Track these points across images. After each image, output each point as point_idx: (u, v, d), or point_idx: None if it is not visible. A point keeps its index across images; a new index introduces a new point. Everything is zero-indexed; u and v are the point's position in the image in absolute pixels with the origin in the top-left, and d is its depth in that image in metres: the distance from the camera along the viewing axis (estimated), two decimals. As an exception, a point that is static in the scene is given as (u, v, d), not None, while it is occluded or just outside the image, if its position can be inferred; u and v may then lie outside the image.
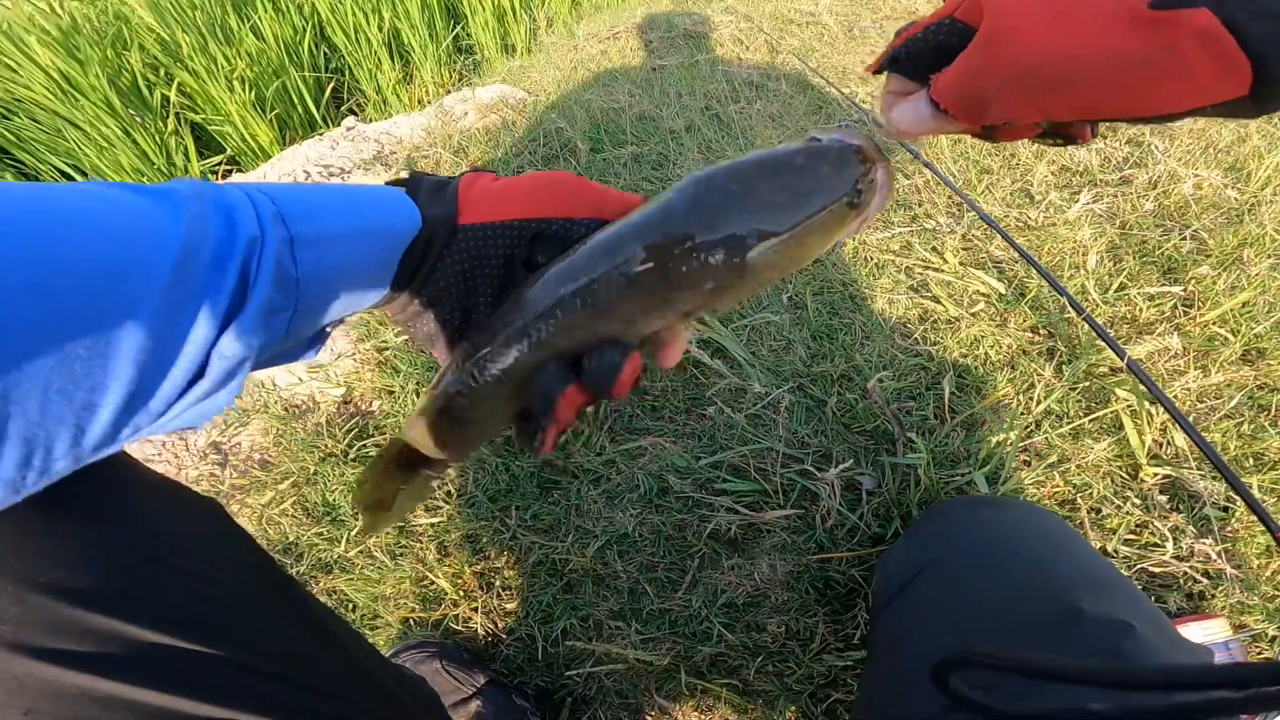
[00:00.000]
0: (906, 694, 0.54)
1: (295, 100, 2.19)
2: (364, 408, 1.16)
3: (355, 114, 2.32)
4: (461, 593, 0.95)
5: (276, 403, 1.16)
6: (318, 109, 2.25)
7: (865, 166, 0.38)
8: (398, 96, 2.34)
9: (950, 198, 1.34)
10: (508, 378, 0.40)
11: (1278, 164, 1.32)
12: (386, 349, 1.20)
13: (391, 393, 1.16)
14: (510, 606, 0.95)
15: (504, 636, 0.93)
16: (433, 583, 0.96)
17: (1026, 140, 1.45)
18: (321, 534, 1.02)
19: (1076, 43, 0.32)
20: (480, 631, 0.93)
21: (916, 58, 0.40)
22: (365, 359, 1.20)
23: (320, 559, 1.00)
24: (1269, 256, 1.18)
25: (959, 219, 1.30)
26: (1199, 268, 1.17)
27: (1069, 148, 1.35)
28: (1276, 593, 0.88)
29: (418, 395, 1.14)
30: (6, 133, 1.93)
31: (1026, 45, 0.33)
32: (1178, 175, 1.32)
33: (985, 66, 0.35)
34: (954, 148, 1.48)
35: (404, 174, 0.48)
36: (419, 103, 2.35)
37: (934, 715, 0.47)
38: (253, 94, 2.05)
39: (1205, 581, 0.89)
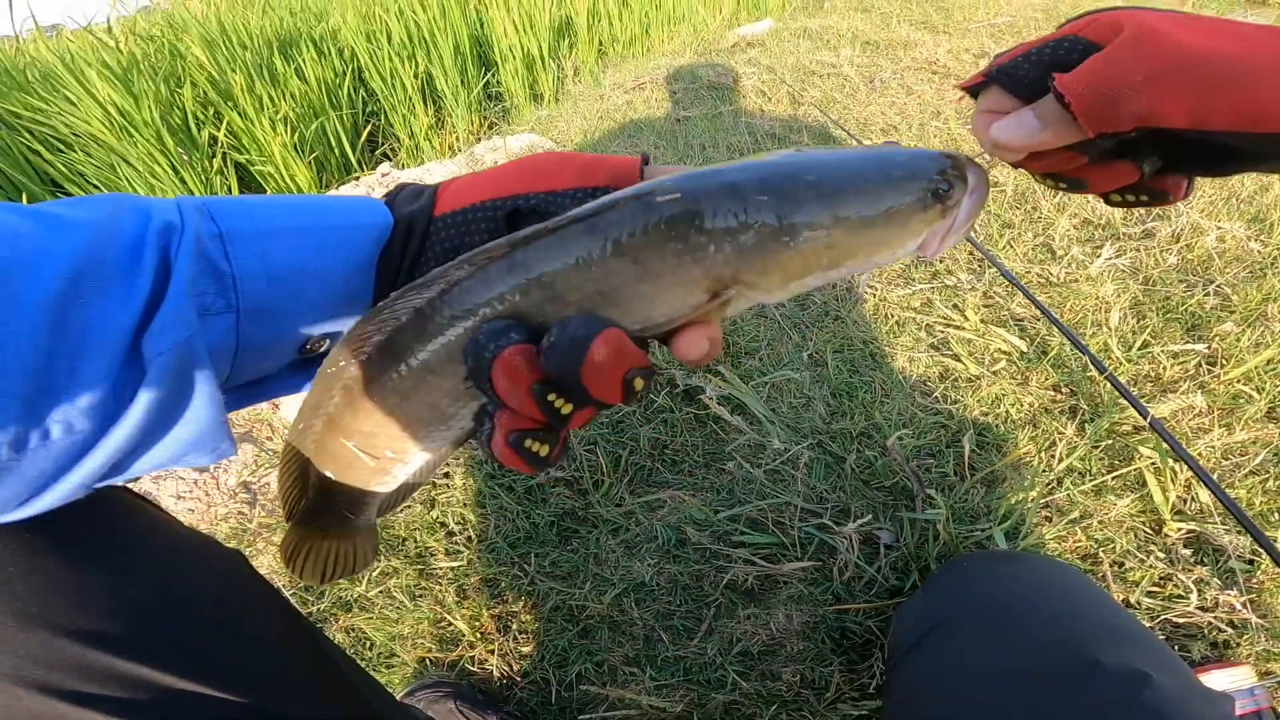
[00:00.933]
0: None
1: (333, 143, 2.27)
2: None
3: (389, 159, 2.40)
4: (478, 635, 0.96)
5: None
6: (354, 152, 2.33)
7: (954, 163, 0.34)
8: (430, 143, 2.42)
9: (971, 253, 1.35)
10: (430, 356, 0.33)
11: (1302, 220, 1.32)
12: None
13: None
14: (526, 650, 0.95)
15: (518, 679, 0.93)
16: (451, 624, 0.97)
17: (1050, 194, 1.44)
18: (344, 574, 1.03)
19: (1246, 47, 0.30)
20: (495, 673, 0.94)
21: (1020, 75, 0.37)
22: None
23: (341, 597, 1.02)
24: (1294, 314, 1.17)
25: (980, 275, 1.31)
26: (1223, 324, 1.17)
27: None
28: (1306, 654, 0.86)
29: None
30: (63, 167, 2.02)
31: (1186, 43, 0.31)
32: (1200, 228, 1.33)
33: (1134, 57, 0.32)
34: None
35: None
36: (450, 149, 2.43)
37: None
38: (294, 136, 2.13)
39: (1230, 631, 0.87)
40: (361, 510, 0.42)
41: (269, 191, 2.20)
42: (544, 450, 0.32)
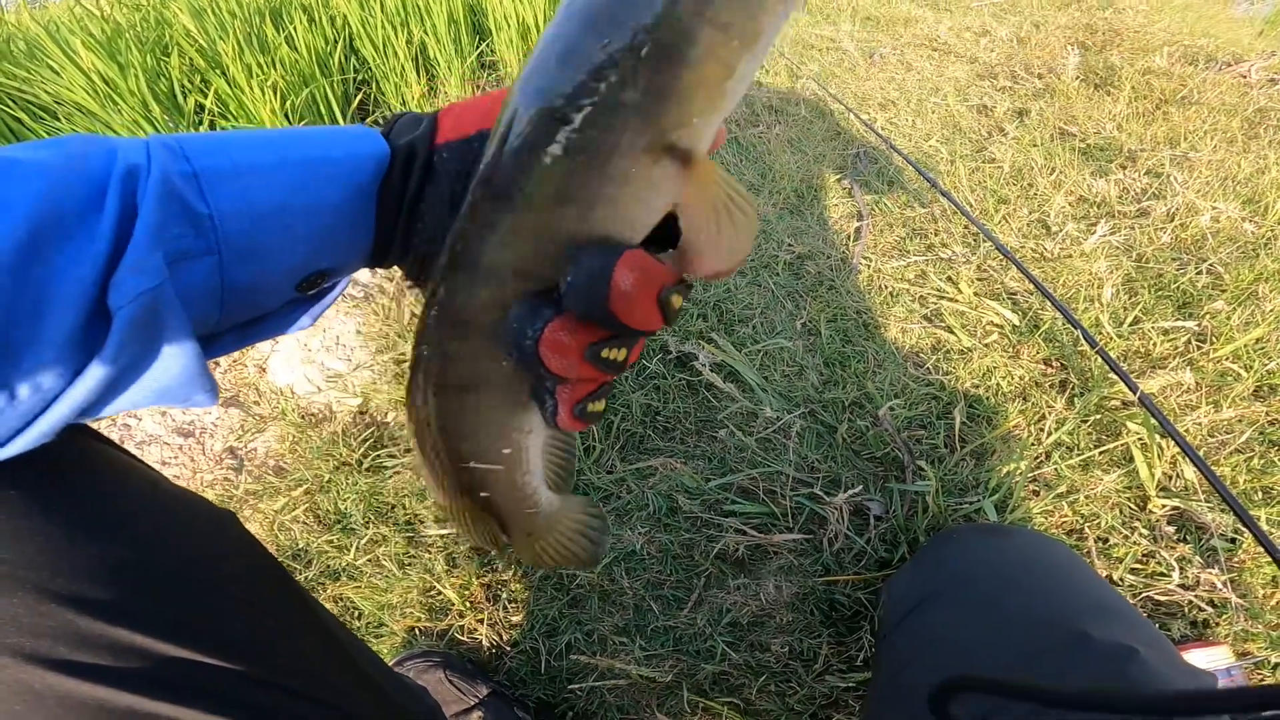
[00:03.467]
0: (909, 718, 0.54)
1: (323, 110, 2.23)
2: (380, 418, 1.18)
3: (380, 126, 2.36)
4: (468, 604, 0.96)
5: (294, 410, 1.18)
6: (345, 120, 2.29)
7: None
8: (423, 111, 2.37)
9: (967, 227, 1.35)
10: (467, 345, 0.32)
11: (1297, 200, 1.32)
12: (405, 361, 1.22)
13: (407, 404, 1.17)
14: (516, 619, 0.96)
15: (508, 649, 0.94)
16: (440, 593, 0.97)
17: (1046, 171, 1.42)
18: (332, 541, 1.03)
19: None
20: (485, 643, 0.94)
21: None
22: (383, 370, 1.22)
23: (329, 566, 1.02)
24: (1286, 293, 1.17)
25: (975, 249, 1.31)
26: (1214, 303, 1.17)
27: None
28: (1285, 631, 0.87)
29: None
30: (45, 134, 1.98)
31: None
32: (1196, 208, 1.32)
33: None
34: (971, 176, 1.49)
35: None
36: (443, 117, 2.38)
37: None
38: (284, 104, 2.09)
39: (1210, 610, 0.88)
40: (539, 501, 0.41)
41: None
42: (602, 405, 0.33)
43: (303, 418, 1.17)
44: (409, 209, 0.39)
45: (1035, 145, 1.58)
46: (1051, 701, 0.30)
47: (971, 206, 1.40)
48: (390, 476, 1.09)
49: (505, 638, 0.95)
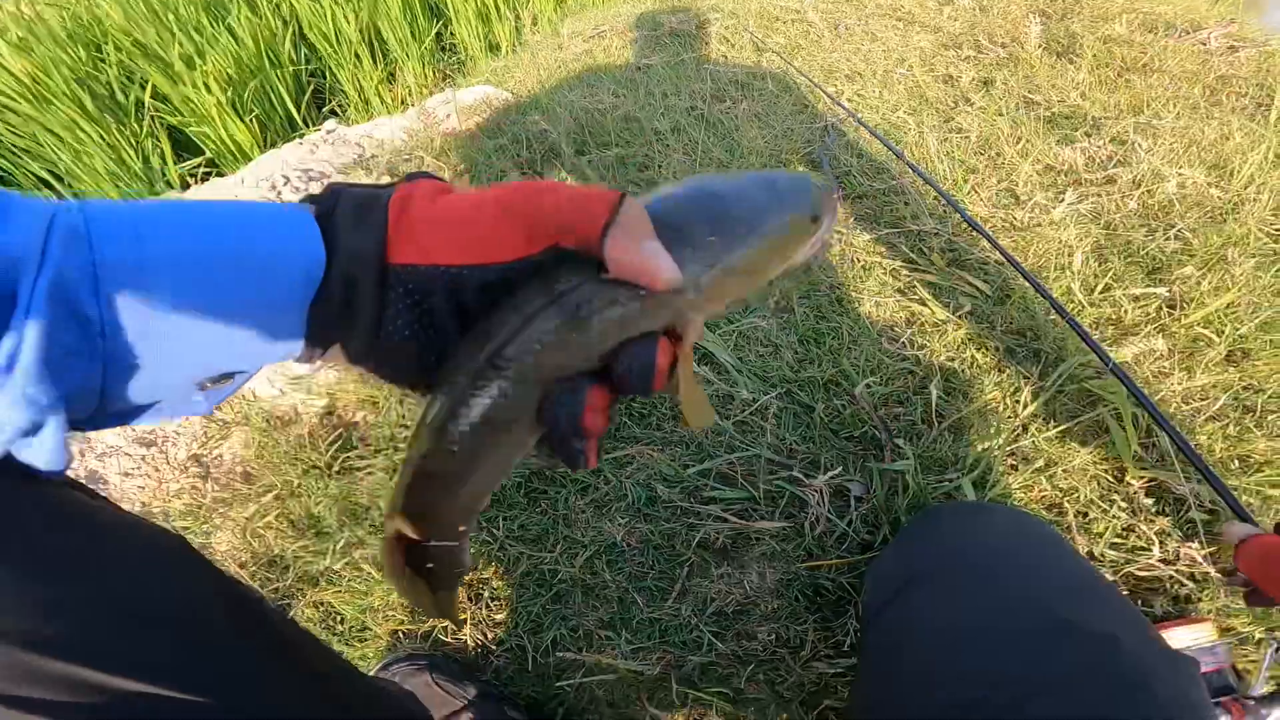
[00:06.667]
0: (901, 706, 0.54)
1: (275, 101, 2.16)
2: (347, 419, 1.14)
3: (337, 115, 2.30)
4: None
5: (258, 414, 1.14)
6: (299, 110, 2.22)
7: (823, 192, 0.40)
8: (380, 98, 2.32)
9: (936, 199, 1.34)
10: (503, 420, 0.34)
11: (1260, 161, 1.33)
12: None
13: (375, 404, 1.14)
14: (499, 617, 0.94)
15: (494, 648, 0.92)
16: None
17: (1013, 141, 1.41)
18: (307, 546, 1.00)
19: None
20: (470, 643, 0.92)
21: None
22: (348, 370, 1.19)
23: (306, 571, 0.99)
24: (1253, 256, 1.18)
25: (944, 221, 1.30)
26: (1183, 268, 1.18)
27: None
28: (1261, 594, 0.89)
29: (401, 405, 1.13)
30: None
31: None
32: (1162, 174, 1.33)
33: None
34: (940, 147, 1.48)
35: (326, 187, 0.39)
36: (401, 104, 2.33)
37: None
38: (231, 95, 2.02)
39: (1191, 585, 0.89)
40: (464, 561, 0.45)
41: (208, 151, 2.09)
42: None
43: (267, 422, 1.13)
44: (364, 332, 0.35)
45: (1001, 115, 1.57)
46: None
47: (941, 178, 1.39)
48: (363, 478, 1.06)
49: (490, 636, 0.93)
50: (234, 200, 0.34)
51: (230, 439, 1.14)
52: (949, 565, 0.66)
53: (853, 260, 1.26)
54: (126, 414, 0.35)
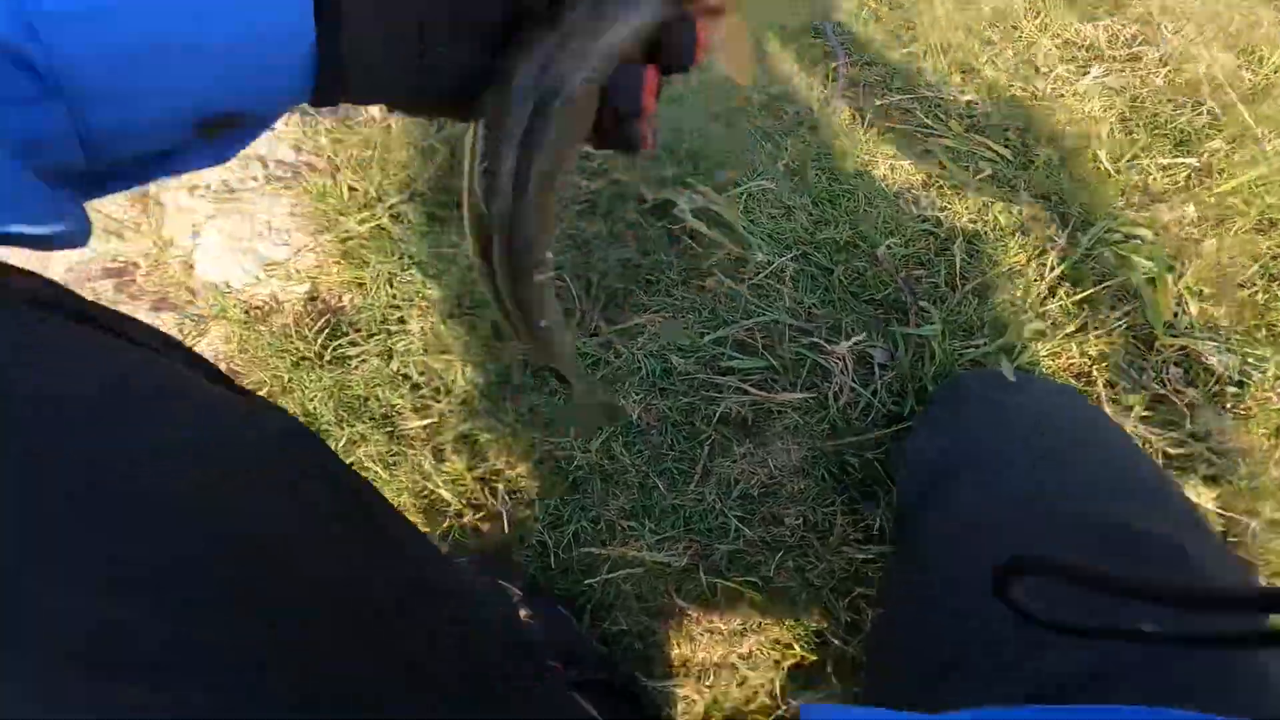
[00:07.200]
0: (960, 605, 0.49)
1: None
2: (333, 304, 1.00)
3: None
4: (464, 502, 0.84)
5: (235, 306, 0.98)
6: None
7: None
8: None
9: (951, 63, 1.24)
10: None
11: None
12: (350, 239, 1.03)
13: (361, 285, 1.00)
14: (519, 515, 0.84)
15: (516, 544, 0.83)
16: (433, 492, 0.85)
17: (1031, 14, 1.30)
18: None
19: None
20: (490, 543, 0.84)
21: None
22: (328, 251, 1.03)
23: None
24: (1282, 133, 1.12)
25: (962, 89, 1.20)
26: (1212, 141, 1.11)
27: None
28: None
29: (390, 286, 0.99)
30: None
31: None
32: (1190, 54, 1.26)
33: None
34: (949, 19, 1.38)
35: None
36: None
37: (994, 630, 0.44)
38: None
39: (1221, 461, 0.85)
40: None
41: None
42: None
43: (246, 313, 0.99)
44: (387, 53, 0.32)
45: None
46: (1135, 594, 0.28)
47: (954, 48, 1.29)
48: (356, 367, 0.93)
49: (509, 534, 0.83)
50: None
51: (208, 335, 0.99)
52: (990, 457, 0.62)
53: (865, 124, 1.16)
54: (129, 170, 0.32)
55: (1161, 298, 0.93)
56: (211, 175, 1.10)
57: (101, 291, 1.05)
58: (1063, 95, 1.18)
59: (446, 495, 0.84)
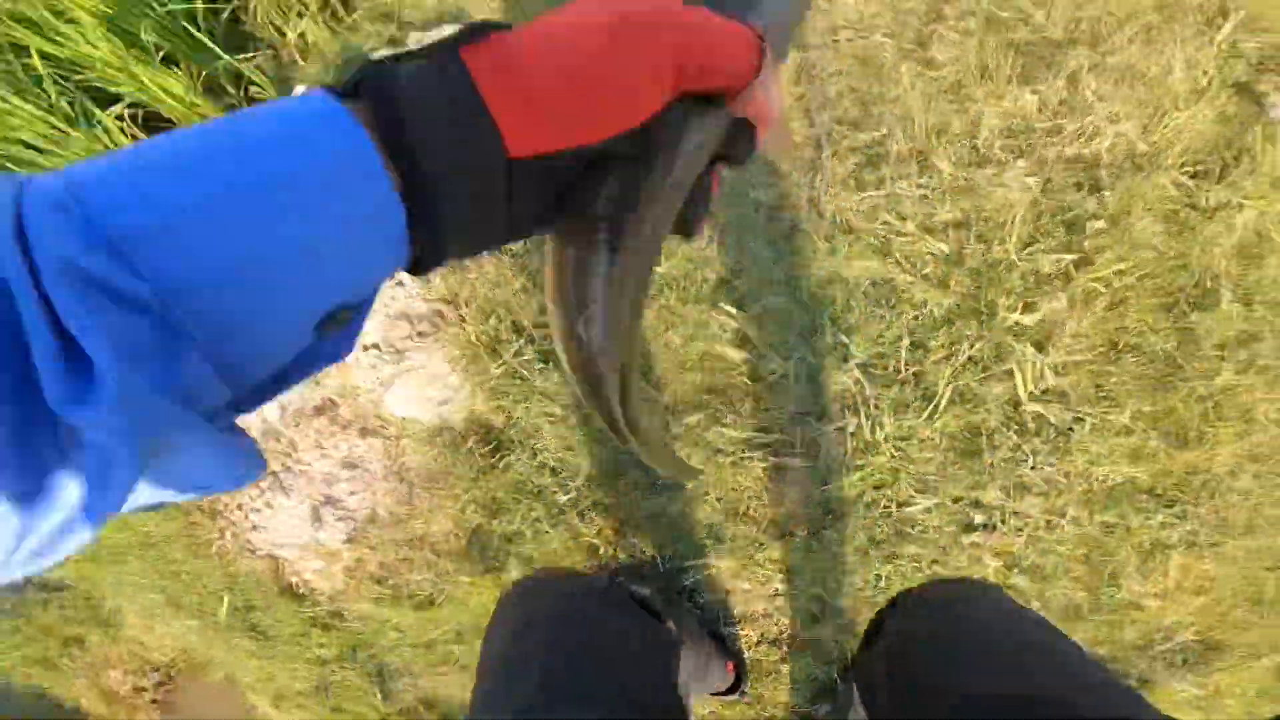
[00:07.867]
0: None
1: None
2: (487, 423, 1.57)
3: None
4: (608, 544, 1.50)
5: (419, 431, 1.57)
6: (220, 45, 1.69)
7: None
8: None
9: (912, 150, 1.58)
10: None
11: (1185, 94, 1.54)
12: (489, 379, 1.56)
13: (503, 409, 1.56)
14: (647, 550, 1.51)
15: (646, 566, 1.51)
16: (586, 538, 1.50)
17: (977, 76, 1.58)
18: (498, 521, 1.54)
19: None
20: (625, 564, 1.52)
21: None
22: (477, 383, 1.56)
23: (502, 533, 1.54)
24: (1149, 211, 1.51)
25: (921, 176, 1.57)
26: (1098, 221, 1.51)
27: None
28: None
29: (527, 402, 1.55)
30: None
31: None
32: (1098, 129, 1.52)
33: None
34: (914, 86, 1.62)
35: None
36: None
37: None
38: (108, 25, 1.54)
39: (1064, 481, 1.48)
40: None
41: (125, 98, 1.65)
42: None
43: (429, 435, 1.57)
44: (476, 234, 0.32)
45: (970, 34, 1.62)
46: None
47: (917, 129, 1.59)
48: (510, 465, 1.55)
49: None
50: (224, 117, 0.26)
51: (407, 455, 1.57)
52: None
53: (843, 225, 1.57)
54: (266, 385, 0.30)
55: (1029, 375, 1.48)
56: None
57: (320, 426, 1.62)
58: (994, 188, 1.54)
59: (595, 541, 1.51)
